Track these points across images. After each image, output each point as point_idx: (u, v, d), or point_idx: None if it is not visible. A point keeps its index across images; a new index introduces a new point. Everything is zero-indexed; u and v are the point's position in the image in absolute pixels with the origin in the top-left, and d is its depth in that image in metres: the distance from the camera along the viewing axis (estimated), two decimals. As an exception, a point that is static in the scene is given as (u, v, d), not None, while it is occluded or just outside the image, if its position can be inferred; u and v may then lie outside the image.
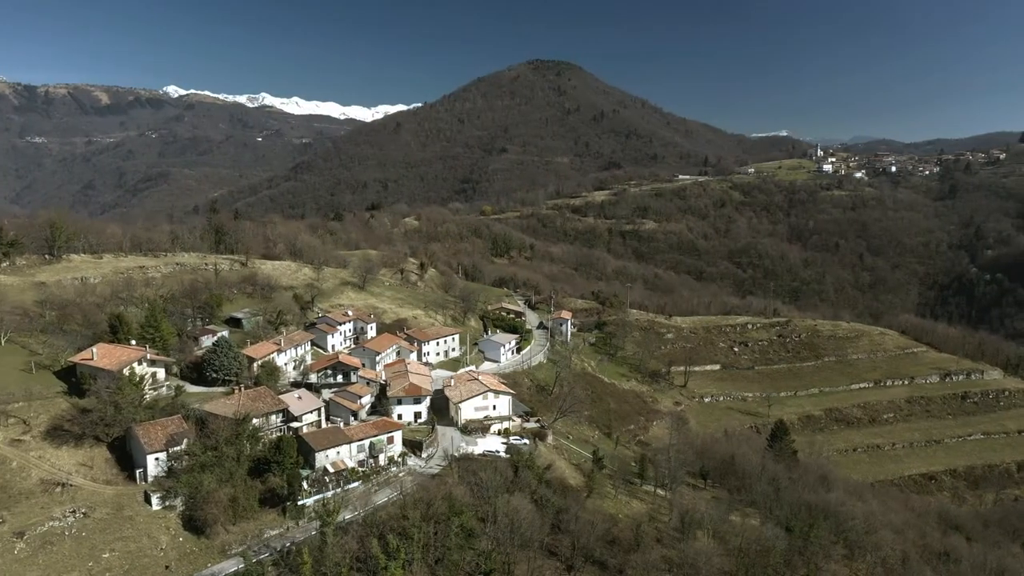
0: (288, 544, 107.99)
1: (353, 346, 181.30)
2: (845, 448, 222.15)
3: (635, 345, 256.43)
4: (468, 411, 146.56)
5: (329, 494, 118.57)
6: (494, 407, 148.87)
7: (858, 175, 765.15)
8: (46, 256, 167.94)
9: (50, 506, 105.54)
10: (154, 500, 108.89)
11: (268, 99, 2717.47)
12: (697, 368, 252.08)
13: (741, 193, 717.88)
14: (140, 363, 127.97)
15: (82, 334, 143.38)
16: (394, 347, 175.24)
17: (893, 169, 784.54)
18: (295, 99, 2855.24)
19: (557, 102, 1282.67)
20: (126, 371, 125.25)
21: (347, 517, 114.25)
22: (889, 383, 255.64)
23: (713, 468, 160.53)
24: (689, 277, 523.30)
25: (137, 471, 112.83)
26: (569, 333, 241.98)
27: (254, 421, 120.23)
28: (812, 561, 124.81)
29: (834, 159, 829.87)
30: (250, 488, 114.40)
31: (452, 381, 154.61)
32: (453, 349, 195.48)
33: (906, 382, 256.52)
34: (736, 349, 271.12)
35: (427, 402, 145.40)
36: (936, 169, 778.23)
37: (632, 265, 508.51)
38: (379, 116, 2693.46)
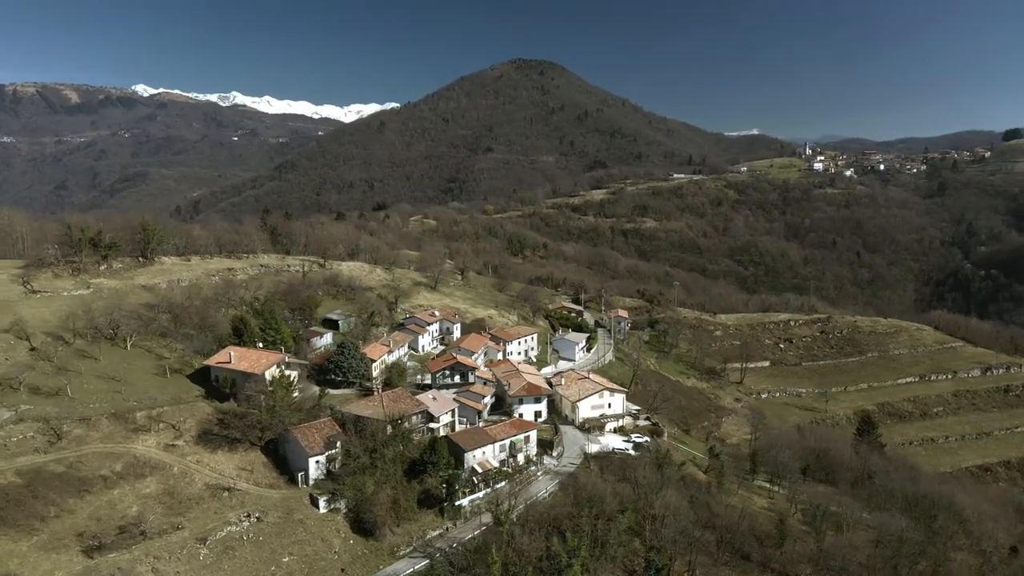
0: (454, 544, 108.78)
1: (440, 346, 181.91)
2: (901, 442, 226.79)
3: (687, 343, 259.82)
4: (585, 409, 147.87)
5: (480, 494, 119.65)
6: (609, 405, 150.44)
7: (848, 173, 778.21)
8: (139, 259, 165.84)
9: (222, 511, 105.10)
10: (321, 503, 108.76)
11: (240, 98, 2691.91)
12: (749, 365, 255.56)
13: (736, 192, 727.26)
14: (278, 366, 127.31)
15: (198, 337, 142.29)
16: (483, 347, 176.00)
17: (881, 167, 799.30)
18: (267, 98, 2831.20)
19: (541, 101, 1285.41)
20: (268, 374, 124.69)
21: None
22: (933, 377, 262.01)
23: (812, 463, 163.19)
24: (700, 276, 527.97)
25: (297, 474, 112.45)
26: (626, 332, 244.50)
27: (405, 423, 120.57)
28: (941, 551, 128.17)
29: (823, 157, 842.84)
30: (409, 489, 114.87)
31: (562, 380, 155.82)
32: (532, 348, 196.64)
33: (949, 376, 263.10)
34: (782, 346, 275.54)
35: (546, 401, 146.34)
36: (923, 167, 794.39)
37: (643, 264, 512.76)
38: (352, 115, 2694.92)
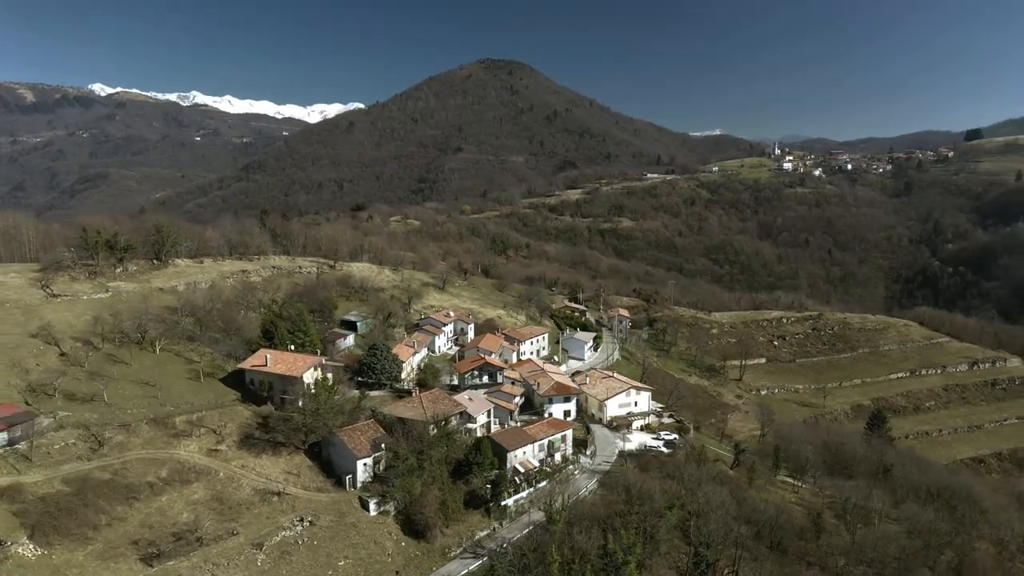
0: (504, 545, 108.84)
1: (455, 347, 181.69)
2: (897, 435, 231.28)
3: (685, 341, 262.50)
4: (613, 408, 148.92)
5: (524, 494, 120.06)
6: (635, 403, 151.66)
7: (816, 173, 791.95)
8: (154, 261, 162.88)
9: (274, 516, 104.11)
10: (371, 506, 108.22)
11: (200, 97, 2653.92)
12: (746, 362, 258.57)
13: (708, 191, 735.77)
14: (316, 368, 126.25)
15: (224, 341, 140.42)
16: (500, 348, 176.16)
17: (849, 167, 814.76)
18: (228, 97, 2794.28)
19: (510, 101, 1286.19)
20: (307, 377, 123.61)
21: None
22: (923, 372, 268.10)
23: (828, 457, 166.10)
24: (679, 274, 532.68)
25: (345, 477, 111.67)
26: (627, 330, 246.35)
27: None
28: (966, 541, 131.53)
29: (791, 157, 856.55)
30: (455, 490, 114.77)
31: (587, 379, 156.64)
32: (543, 348, 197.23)
33: (939, 371, 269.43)
34: (776, 343, 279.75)
35: (575, 400, 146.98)
36: (888, 167, 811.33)
37: (624, 264, 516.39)
38: (316, 115, 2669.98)
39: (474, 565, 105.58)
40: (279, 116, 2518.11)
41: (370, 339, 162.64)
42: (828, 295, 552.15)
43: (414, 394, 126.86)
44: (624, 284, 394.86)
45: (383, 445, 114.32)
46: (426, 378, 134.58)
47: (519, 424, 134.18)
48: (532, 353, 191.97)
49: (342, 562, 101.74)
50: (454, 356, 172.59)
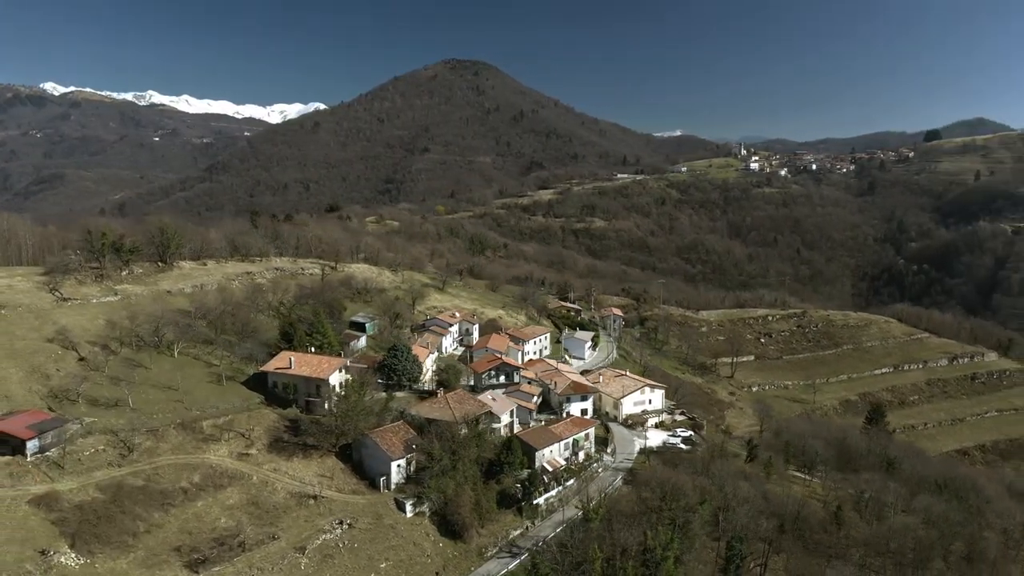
0: (540, 543, 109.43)
1: (460, 347, 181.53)
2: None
3: (676, 339, 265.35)
4: (628, 406, 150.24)
5: (553, 492, 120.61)
6: (650, 401, 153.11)
7: (782, 173, 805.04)
8: (158, 263, 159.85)
9: (313, 519, 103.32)
10: (408, 507, 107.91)
11: (157, 97, 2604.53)
12: (726, 360, 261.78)
13: (678, 191, 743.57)
14: (341, 370, 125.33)
15: (240, 344, 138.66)
16: (507, 347, 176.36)
17: (814, 167, 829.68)
18: (185, 97, 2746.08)
19: (476, 102, 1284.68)
20: (333, 379, 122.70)
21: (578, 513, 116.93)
22: (906, 367, 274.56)
23: (831, 451, 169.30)
24: (653, 274, 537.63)
25: (379, 479, 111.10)
26: (621, 329, 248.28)
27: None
28: (976, 530, 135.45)
29: (757, 157, 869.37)
30: (488, 490, 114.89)
31: (600, 378, 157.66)
32: (546, 348, 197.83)
33: (920, 366, 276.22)
34: (763, 340, 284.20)
35: (592, 399, 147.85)
36: (852, 167, 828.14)
37: (600, 263, 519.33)
38: (276, 115, 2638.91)
39: (512, 564, 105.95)
40: (239, 116, 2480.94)
41: (380, 340, 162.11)
42: (798, 293, 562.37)
43: (439, 395, 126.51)
44: (604, 284, 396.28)
45: (415, 446, 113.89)
46: (448, 379, 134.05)
47: (543, 423, 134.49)
48: (535, 353, 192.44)
49: (383, 564, 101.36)
50: (462, 357, 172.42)
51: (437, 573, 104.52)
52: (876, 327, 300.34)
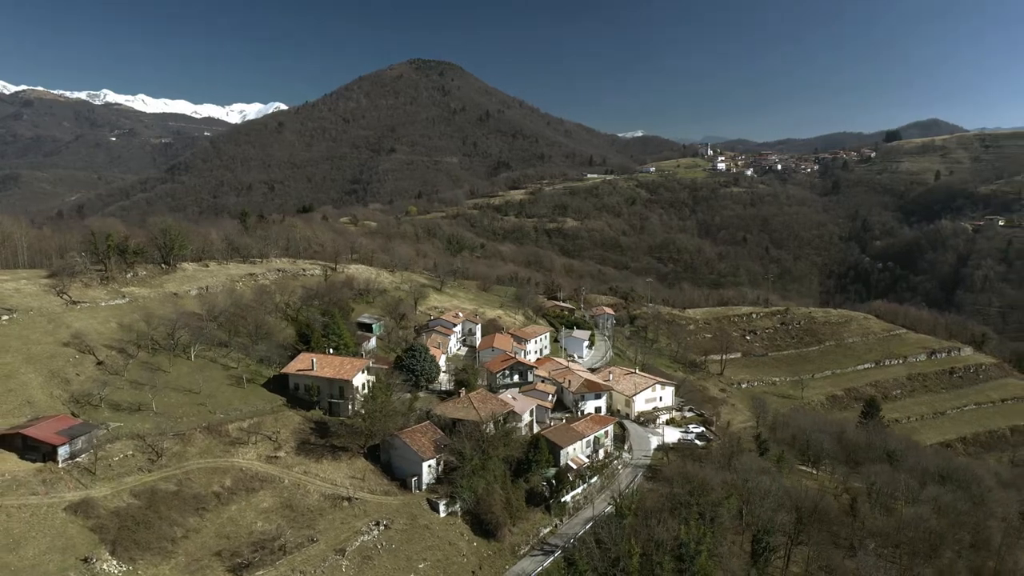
0: (570, 541, 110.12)
1: (463, 347, 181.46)
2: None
3: (666, 337, 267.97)
4: (640, 403, 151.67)
5: (578, 490, 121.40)
6: (660, 399, 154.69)
7: (748, 173, 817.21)
8: (161, 265, 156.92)
9: (349, 521, 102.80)
10: (441, 507, 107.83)
11: (112, 96, 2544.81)
12: (716, 357, 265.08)
13: (647, 191, 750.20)
14: (363, 372, 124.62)
15: (253, 346, 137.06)
16: (512, 347, 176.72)
17: (779, 167, 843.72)
18: (141, 96, 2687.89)
19: (442, 102, 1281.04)
20: (357, 380, 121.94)
21: (607, 509, 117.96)
22: (887, 363, 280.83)
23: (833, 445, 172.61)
24: (628, 272, 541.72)
25: (410, 479, 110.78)
26: (613, 328, 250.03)
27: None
28: (981, 519, 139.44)
29: (723, 157, 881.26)
30: (517, 488, 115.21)
31: (610, 376, 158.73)
32: (546, 347, 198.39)
33: (901, 361, 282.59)
34: (748, 337, 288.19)
35: (606, 397, 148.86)
36: (816, 167, 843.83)
37: (576, 263, 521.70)
38: (235, 115, 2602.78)
39: (547, 562, 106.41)
40: (197, 116, 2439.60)
41: (388, 341, 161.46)
42: (772, 291, 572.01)
43: (461, 394, 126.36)
44: (583, 283, 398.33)
45: (444, 446, 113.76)
46: (468, 378, 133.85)
47: (564, 421, 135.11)
48: (537, 352, 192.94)
49: (422, 564, 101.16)
50: (467, 357, 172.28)
51: (473, 572, 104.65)
52: (856, 323, 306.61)
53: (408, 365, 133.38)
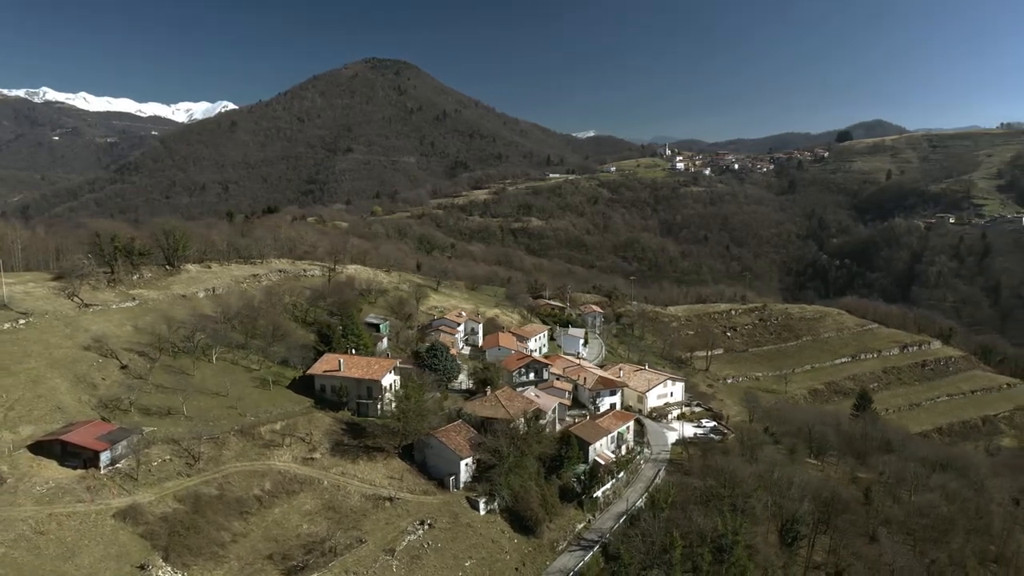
0: (606, 536, 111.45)
1: (466, 347, 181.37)
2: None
3: (651, 335, 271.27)
4: (653, 399, 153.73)
5: (608, 485, 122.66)
6: (671, 394, 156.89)
7: (706, 172, 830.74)
8: (165, 267, 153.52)
9: (393, 521, 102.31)
10: (480, 505, 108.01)
11: (52, 94, 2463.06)
12: (701, 353, 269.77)
13: (609, 191, 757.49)
14: (391, 372, 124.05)
15: (269, 348, 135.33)
16: (515, 345, 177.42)
17: (736, 167, 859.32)
18: (83, 94, 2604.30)
19: (399, 101, 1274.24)
20: (386, 381, 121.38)
21: (638, 503, 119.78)
22: (863, 357, 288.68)
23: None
24: (593, 271, 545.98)
25: (448, 478, 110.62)
26: (601, 326, 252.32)
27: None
28: (984, 504, 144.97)
29: (681, 157, 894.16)
30: (551, 485, 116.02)
31: (620, 372, 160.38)
32: (544, 346, 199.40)
33: (875, 355, 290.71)
34: (728, 334, 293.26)
35: (620, 393, 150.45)
36: (771, 167, 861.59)
37: (545, 262, 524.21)
38: (182, 113, 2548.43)
39: (587, 556, 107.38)
40: (143, 114, 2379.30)
41: (397, 341, 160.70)
42: (734, 288, 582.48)
43: (487, 393, 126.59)
44: (559, 281, 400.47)
45: (479, 444, 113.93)
46: (491, 377, 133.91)
47: (586, 417, 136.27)
48: (537, 350, 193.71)
49: (468, 562, 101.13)
50: (471, 355, 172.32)
51: (517, 569, 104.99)
52: (830, 319, 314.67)
53: (431, 364, 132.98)
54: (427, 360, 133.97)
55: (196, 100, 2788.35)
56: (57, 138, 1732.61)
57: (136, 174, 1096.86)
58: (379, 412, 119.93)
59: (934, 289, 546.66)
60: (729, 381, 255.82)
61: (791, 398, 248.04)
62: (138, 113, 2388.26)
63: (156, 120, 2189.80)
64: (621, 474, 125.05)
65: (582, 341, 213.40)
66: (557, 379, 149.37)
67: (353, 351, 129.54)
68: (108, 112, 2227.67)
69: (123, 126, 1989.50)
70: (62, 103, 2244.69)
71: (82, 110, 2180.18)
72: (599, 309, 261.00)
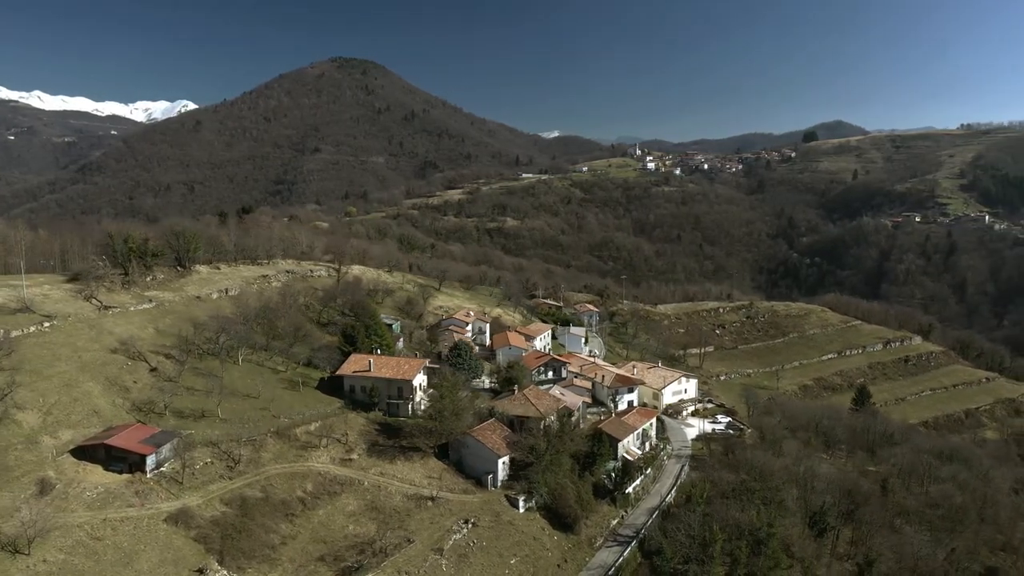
0: (642, 531, 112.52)
1: (475, 347, 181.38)
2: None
3: (645, 333, 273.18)
4: (668, 396, 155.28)
5: (637, 481, 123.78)
6: (686, 391, 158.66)
7: (677, 172, 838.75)
8: (177, 268, 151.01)
9: (437, 520, 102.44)
10: (520, 503, 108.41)
11: (5, 93, 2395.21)
12: (694, 351, 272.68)
13: (582, 190, 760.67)
14: (422, 373, 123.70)
15: (290, 349, 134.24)
16: (526, 344, 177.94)
17: (705, 167, 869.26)
18: (37, 93, 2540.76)
19: (366, 101, 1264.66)
20: (417, 381, 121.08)
21: (668, 498, 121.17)
22: (848, 353, 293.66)
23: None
24: (570, 270, 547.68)
25: (486, 477, 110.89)
26: (596, 324, 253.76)
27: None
28: (991, 494, 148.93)
29: (651, 157, 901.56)
30: (584, 482, 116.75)
31: (634, 370, 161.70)
32: (548, 344, 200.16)
33: (860, 351, 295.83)
34: (718, 331, 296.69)
35: (638, 391, 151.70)
36: (740, 167, 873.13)
37: (525, 261, 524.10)
38: (141, 113, 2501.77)
39: (626, 552, 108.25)
40: (100, 114, 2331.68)
41: (410, 340, 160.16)
42: (732, 287, 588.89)
43: (515, 391, 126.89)
44: (536, 280, 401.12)
45: (514, 442, 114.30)
46: (517, 376, 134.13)
47: (612, 415, 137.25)
48: (542, 349, 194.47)
49: (513, 560, 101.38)
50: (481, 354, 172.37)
51: (559, 565, 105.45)
52: (815, 316, 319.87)
53: (456, 364, 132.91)
54: (452, 359, 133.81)
55: (155, 99, 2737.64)
56: (12, 137, 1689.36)
57: (98, 174, 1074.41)
58: (410, 412, 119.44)
59: (903, 286, 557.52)
60: (722, 378, 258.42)
61: (784, 394, 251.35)
62: (96, 112, 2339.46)
63: (115, 119, 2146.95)
64: (648, 470, 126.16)
65: (583, 340, 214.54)
66: (576, 377, 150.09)
67: (378, 351, 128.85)
68: (64, 111, 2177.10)
69: (80, 125, 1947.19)
70: (16, 102, 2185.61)
71: (37, 109, 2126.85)
72: (594, 308, 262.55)
